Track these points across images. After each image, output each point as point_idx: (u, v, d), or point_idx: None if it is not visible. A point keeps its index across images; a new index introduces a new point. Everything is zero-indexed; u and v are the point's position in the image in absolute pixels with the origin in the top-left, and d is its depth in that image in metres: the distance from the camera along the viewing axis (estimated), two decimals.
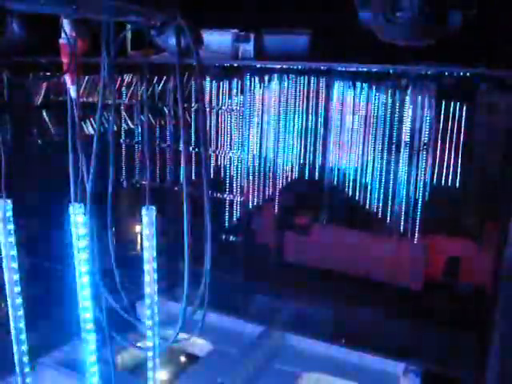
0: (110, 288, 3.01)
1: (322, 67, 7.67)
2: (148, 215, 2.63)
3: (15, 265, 2.35)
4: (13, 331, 2.45)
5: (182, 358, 7.24)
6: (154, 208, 2.67)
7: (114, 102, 2.99)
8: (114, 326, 3.12)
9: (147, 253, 2.68)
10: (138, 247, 9.17)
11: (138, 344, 5.23)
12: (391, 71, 7.20)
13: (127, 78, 8.91)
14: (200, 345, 6.94)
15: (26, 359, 2.52)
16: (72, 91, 2.67)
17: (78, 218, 2.51)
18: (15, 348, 2.48)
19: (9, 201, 2.34)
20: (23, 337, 2.46)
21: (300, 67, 7.79)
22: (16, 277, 2.35)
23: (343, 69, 7.51)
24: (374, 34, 3.98)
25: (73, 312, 2.94)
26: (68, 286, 2.87)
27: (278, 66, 7.72)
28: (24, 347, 2.48)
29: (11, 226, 2.34)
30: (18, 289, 2.37)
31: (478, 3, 3.98)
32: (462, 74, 6.44)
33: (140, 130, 8.96)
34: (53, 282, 7.20)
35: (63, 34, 2.48)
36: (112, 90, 2.92)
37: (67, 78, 2.65)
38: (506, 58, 5.41)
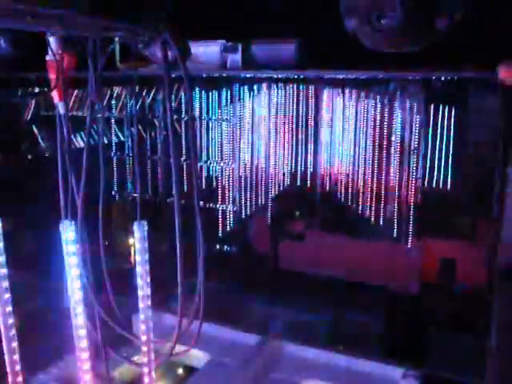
0: (103, 302, 3.00)
1: (311, 75, 7.70)
2: (139, 230, 2.62)
3: (6, 284, 2.33)
4: (6, 351, 2.42)
5: (180, 371, 7.19)
6: (145, 223, 2.66)
7: (102, 116, 2.99)
8: (109, 340, 3.10)
9: (140, 267, 2.67)
10: (132, 259, 9.14)
11: (135, 358, 5.19)
12: (380, 77, 7.22)
13: (117, 90, 8.92)
14: (197, 356, 6.90)
15: (20, 379, 2.49)
16: (60, 107, 2.66)
17: (69, 235, 2.49)
18: (8, 368, 2.45)
19: None
20: (16, 357, 2.43)
21: (288, 76, 7.81)
22: (7, 296, 2.33)
23: (331, 76, 7.54)
24: (361, 41, 4.01)
25: (68, 327, 2.92)
26: (63, 301, 2.86)
27: (266, 76, 7.74)
28: (18, 367, 2.46)
29: (1, 244, 2.31)
30: (9, 308, 2.34)
31: (464, 7, 4.01)
32: (449, 77, 6.47)
33: (130, 143, 8.95)
34: (48, 298, 7.17)
35: (49, 51, 2.48)
36: (100, 103, 2.92)
37: (55, 95, 2.64)
38: (493, 59, 5.45)
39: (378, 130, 7.96)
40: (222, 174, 8.59)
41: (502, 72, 3.47)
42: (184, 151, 8.35)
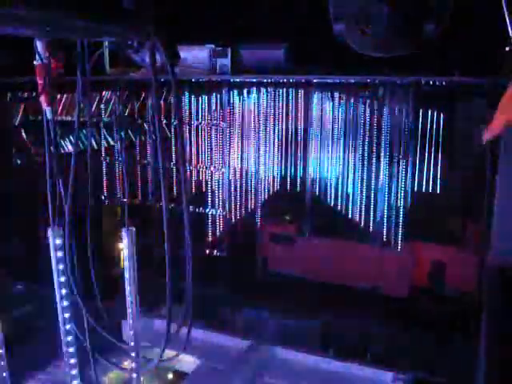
0: (92, 308, 2.99)
1: (299, 79, 7.73)
2: (128, 236, 2.61)
3: None
4: None
5: (170, 375, 7.16)
6: (133, 228, 2.65)
7: (89, 120, 2.98)
8: (99, 345, 3.09)
9: (128, 273, 2.66)
10: (122, 264, 9.09)
11: (125, 363, 5.18)
12: (368, 81, 7.26)
13: (106, 95, 8.89)
14: (187, 361, 6.87)
15: None
16: (48, 112, 2.65)
17: (57, 241, 2.48)
18: None
19: None
20: (4, 363, 2.41)
21: (278, 80, 7.83)
22: None
23: (320, 80, 7.57)
24: (350, 45, 4.03)
25: (57, 332, 2.90)
26: (52, 307, 2.85)
27: (256, 80, 7.76)
28: (5, 373, 2.44)
29: None
30: None
31: (452, 12, 4.03)
32: (438, 82, 6.52)
33: (119, 148, 8.93)
34: (39, 304, 7.14)
35: (37, 56, 2.47)
36: (88, 107, 2.92)
37: (43, 99, 2.63)
38: (481, 64, 5.50)
39: (367, 133, 7.99)
40: (211, 179, 8.59)
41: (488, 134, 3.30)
42: (174, 156, 8.36)
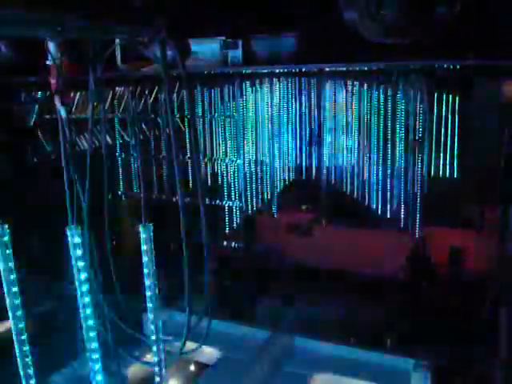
0: (114, 303, 3.02)
1: (312, 68, 7.66)
2: (145, 231, 2.63)
3: (16, 289, 2.34)
4: (18, 355, 2.44)
5: (192, 367, 7.23)
6: (151, 224, 2.67)
7: (104, 117, 3.00)
8: (122, 340, 3.13)
9: (147, 268, 2.68)
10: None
11: (148, 356, 5.23)
12: (381, 67, 7.18)
13: (119, 91, 8.92)
14: (208, 353, 6.93)
15: (33, 382, 2.51)
16: (62, 111, 2.67)
17: (76, 240, 2.50)
18: (22, 372, 2.47)
19: (6, 226, 2.32)
20: (29, 360, 2.45)
21: (290, 70, 7.78)
22: (18, 301, 2.34)
23: (333, 69, 7.50)
24: (361, 33, 3.99)
25: (80, 328, 2.94)
26: (75, 304, 2.88)
27: (268, 71, 7.72)
28: (30, 371, 2.48)
29: (9, 251, 2.31)
30: (19, 313, 2.35)
31: None
32: (452, 66, 6.43)
33: (134, 143, 8.96)
34: (63, 300, 7.24)
35: (49, 56, 2.49)
36: (101, 104, 2.93)
37: (56, 99, 2.65)
38: (494, 47, 5.42)
39: (382, 120, 7.92)
40: (226, 171, 8.60)
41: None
42: (188, 149, 8.37)
